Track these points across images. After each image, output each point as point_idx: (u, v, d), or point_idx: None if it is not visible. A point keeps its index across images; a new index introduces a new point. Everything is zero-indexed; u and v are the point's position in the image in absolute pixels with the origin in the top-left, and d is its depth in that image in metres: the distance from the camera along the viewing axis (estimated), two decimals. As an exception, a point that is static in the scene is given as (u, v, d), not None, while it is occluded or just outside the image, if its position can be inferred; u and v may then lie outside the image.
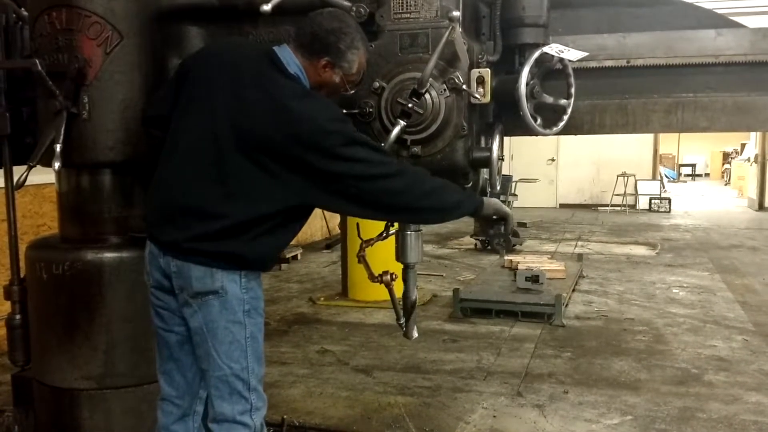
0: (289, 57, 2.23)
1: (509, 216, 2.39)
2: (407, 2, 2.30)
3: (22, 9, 2.83)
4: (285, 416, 3.68)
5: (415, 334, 2.67)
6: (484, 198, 2.34)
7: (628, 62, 2.54)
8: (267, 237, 2.22)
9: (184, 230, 2.20)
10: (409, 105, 2.24)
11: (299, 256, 9.09)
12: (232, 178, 2.16)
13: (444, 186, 2.23)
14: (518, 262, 7.18)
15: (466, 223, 11.53)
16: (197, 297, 2.22)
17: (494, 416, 4.07)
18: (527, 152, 14.51)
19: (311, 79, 2.23)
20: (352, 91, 2.31)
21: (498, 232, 9.42)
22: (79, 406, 2.74)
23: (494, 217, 2.35)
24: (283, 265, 8.47)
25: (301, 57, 2.22)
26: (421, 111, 2.25)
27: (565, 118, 2.50)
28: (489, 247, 9.54)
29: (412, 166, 2.25)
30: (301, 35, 2.24)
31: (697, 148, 27.69)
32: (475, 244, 9.92)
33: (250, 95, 2.16)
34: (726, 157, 26.06)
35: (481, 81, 2.26)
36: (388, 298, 2.62)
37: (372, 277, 2.54)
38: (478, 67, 2.29)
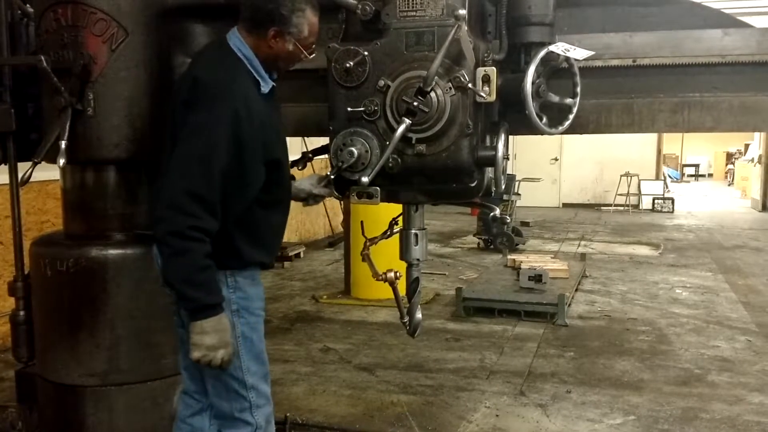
0: (233, 37, 2.26)
1: (197, 345, 2.15)
2: (413, 0, 2.29)
3: (28, 5, 2.83)
4: (288, 414, 3.68)
5: (419, 315, 2.64)
6: (211, 320, 2.14)
7: (634, 61, 2.52)
8: (230, 233, 2.23)
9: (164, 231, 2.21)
10: (415, 103, 2.23)
11: (302, 254, 9.10)
12: None
13: (183, 258, 2.09)
14: (521, 262, 7.17)
15: (469, 222, 11.53)
16: None
17: (497, 415, 4.07)
18: (530, 151, 14.47)
19: (263, 54, 2.25)
20: (312, 56, 2.31)
21: (501, 231, 9.41)
22: (83, 403, 2.74)
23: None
24: (286, 263, 8.48)
25: (249, 35, 2.24)
26: (426, 109, 2.24)
27: (571, 117, 2.48)
28: (492, 246, 9.52)
29: (196, 220, 2.08)
30: (242, 12, 2.25)
31: (701, 148, 27.60)
32: (478, 243, 9.91)
33: (182, 88, 2.24)
34: (729, 157, 25.98)
35: (486, 79, 2.25)
36: (391, 296, 2.61)
37: (376, 276, 2.53)
38: (484, 66, 2.28)
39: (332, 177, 2.30)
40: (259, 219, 2.31)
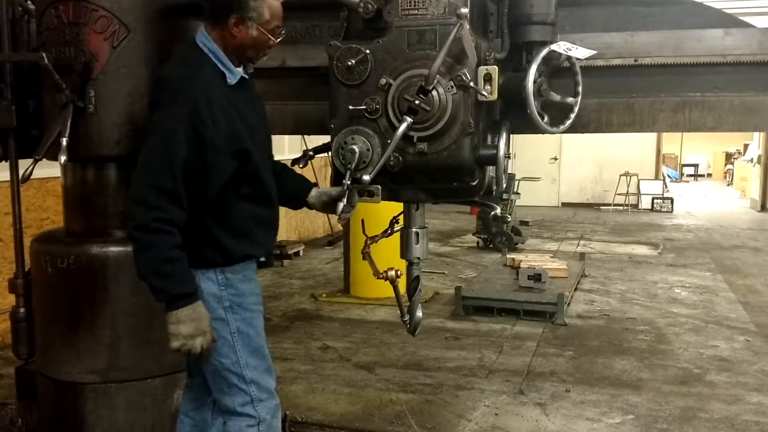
0: (201, 35, 2.27)
1: (174, 335, 2.18)
2: (415, -1, 2.29)
3: (29, 2, 2.83)
4: (287, 412, 3.68)
5: (419, 314, 2.64)
6: (185, 310, 2.17)
7: (635, 61, 2.52)
8: (210, 228, 2.26)
9: None
10: (416, 102, 2.23)
11: (301, 253, 9.10)
12: None
13: (149, 252, 2.14)
14: (520, 261, 7.18)
15: (468, 221, 11.53)
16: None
17: (496, 414, 4.07)
18: (530, 151, 14.48)
19: (231, 45, 2.25)
20: (278, 40, 2.31)
21: (500, 230, 9.41)
22: (83, 400, 2.75)
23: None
24: (285, 262, 8.48)
25: (213, 29, 2.25)
26: (427, 108, 2.25)
27: (572, 116, 2.48)
28: (491, 246, 9.53)
29: (160, 213, 2.13)
30: (204, 8, 2.28)
31: (700, 148, 27.62)
32: (478, 242, 9.92)
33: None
34: (729, 157, 25.99)
35: (488, 78, 2.25)
36: (391, 295, 2.62)
37: (377, 274, 2.54)
38: (486, 65, 2.28)
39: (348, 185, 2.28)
40: (241, 211, 2.33)
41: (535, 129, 2.44)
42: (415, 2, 2.28)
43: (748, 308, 6.64)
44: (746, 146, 20.42)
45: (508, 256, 7.81)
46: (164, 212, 2.13)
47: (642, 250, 10.04)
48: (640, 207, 15.18)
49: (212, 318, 2.25)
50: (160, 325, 2.67)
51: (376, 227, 2.59)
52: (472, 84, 2.23)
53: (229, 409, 2.33)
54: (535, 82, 2.35)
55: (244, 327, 2.32)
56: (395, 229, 2.60)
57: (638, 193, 15.20)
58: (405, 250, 2.59)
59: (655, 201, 15.17)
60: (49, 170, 3.07)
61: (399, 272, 2.55)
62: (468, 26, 2.17)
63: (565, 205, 15.76)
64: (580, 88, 2.48)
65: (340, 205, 2.31)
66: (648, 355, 5.20)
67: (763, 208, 15.21)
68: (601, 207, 15.31)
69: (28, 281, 2.93)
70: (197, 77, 2.21)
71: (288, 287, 7.41)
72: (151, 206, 2.12)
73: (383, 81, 2.30)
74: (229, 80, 2.28)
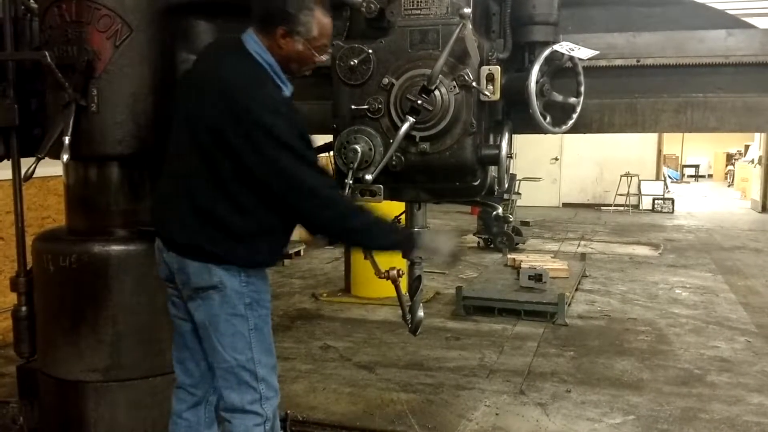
0: (251, 41, 2.23)
1: (440, 252, 2.45)
2: (418, -1, 2.29)
3: (32, 1, 2.83)
4: (288, 411, 3.69)
5: (420, 313, 2.66)
6: (417, 238, 2.42)
7: (638, 61, 2.53)
8: (258, 237, 2.24)
9: (180, 227, 2.25)
10: (419, 102, 2.24)
11: (302, 252, 9.10)
12: (209, 176, 2.19)
13: (372, 227, 2.26)
14: (521, 261, 7.17)
15: (469, 221, 11.53)
16: (198, 292, 2.25)
17: (497, 414, 4.07)
18: (531, 151, 14.47)
19: (276, 56, 2.22)
20: (325, 58, 2.29)
21: (501, 231, 9.41)
22: (85, 399, 2.75)
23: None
24: (286, 261, 8.47)
25: (262, 36, 2.22)
26: (430, 108, 2.25)
27: (575, 116, 2.49)
28: (492, 246, 9.52)
29: (345, 199, 2.27)
30: (254, 14, 2.24)
31: (701, 149, 27.61)
32: (478, 242, 9.91)
33: (208, 89, 2.19)
34: (729, 158, 25.99)
35: (490, 78, 2.26)
36: (391, 294, 2.63)
37: (379, 273, 2.54)
38: (488, 65, 2.29)
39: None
40: (284, 224, 2.32)
41: (537, 129, 2.44)
42: (417, 2, 2.29)
43: (749, 309, 6.64)
44: (747, 147, 20.42)
45: (508, 256, 7.81)
46: (342, 197, 2.26)
47: (643, 250, 10.04)
48: (640, 207, 15.18)
49: (233, 314, 2.24)
50: (161, 323, 2.70)
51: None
52: (474, 84, 2.24)
53: (237, 407, 2.31)
54: (537, 82, 2.35)
55: (261, 324, 2.31)
56: (397, 228, 2.60)
57: (639, 194, 15.19)
58: (407, 250, 2.59)
59: (656, 201, 15.17)
60: (51, 169, 3.07)
61: (401, 272, 2.56)
62: (470, 26, 2.17)
63: (565, 205, 15.75)
64: (582, 89, 2.48)
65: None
66: (649, 355, 5.20)
67: (763, 209, 15.20)
68: (602, 207, 15.31)
69: (29, 280, 2.93)
70: (276, 90, 2.22)
71: (289, 287, 7.41)
72: (334, 200, 2.21)
73: (386, 81, 2.31)
74: (285, 94, 2.26)
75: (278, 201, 2.19)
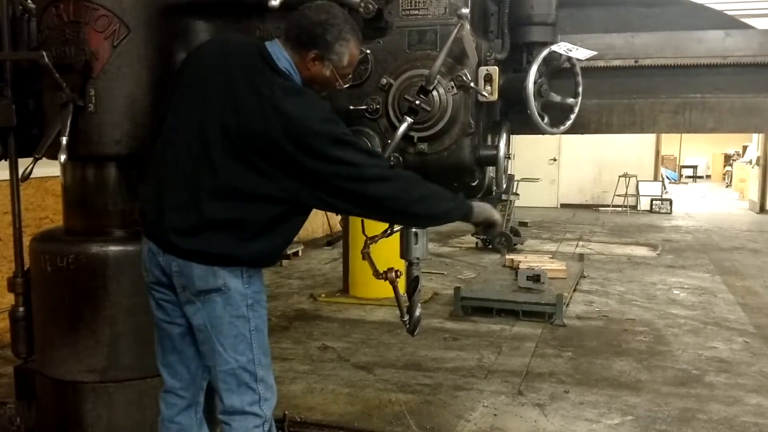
0: (279, 52, 2.21)
1: (498, 223, 2.42)
2: (416, -1, 2.30)
3: (29, 1, 2.82)
4: (286, 412, 3.68)
5: (418, 314, 2.65)
6: (475, 205, 2.34)
7: (636, 62, 2.53)
8: (264, 236, 2.21)
9: (184, 231, 2.20)
10: (417, 102, 2.24)
11: (300, 253, 9.10)
12: (223, 176, 2.15)
13: (435, 193, 2.22)
14: (519, 262, 7.18)
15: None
16: (200, 295, 2.22)
17: (495, 414, 4.07)
18: (529, 152, 14.49)
19: (302, 73, 2.21)
20: (346, 86, 2.28)
21: (499, 231, 9.41)
22: (82, 399, 2.74)
23: (483, 222, 2.38)
24: (284, 262, 8.47)
25: (291, 51, 2.20)
26: (428, 108, 2.25)
27: (573, 117, 2.49)
28: (490, 246, 9.53)
29: (404, 172, 2.26)
30: (289, 29, 2.22)
31: (699, 149, 27.66)
32: (476, 243, 9.92)
33: (240, 93, 2.14)
34: (727, 159, 26.03)
35: (488, 79, 2.26)
36: (390, 295, 2.62)
37: (377, 274, 2.54)
38: (486, 65, 2.29)
39: None
40: (286, 229, 2.29)
41: (536, 130, 2.45)
42: (415, 2, 2.29)
43: (747, 310, 6.65)
44: (745, 148, 20.44)
45: (507, 256, 7.81)
46: (404, 172, 2.25)
47: (641, 251, 10.05)
48: (638, 208, 15.20)
49: (237, 316, 2.23)
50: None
51: (376, 227, 2.59)
52: (472, 84, 2.24)
53: (236, 409, 2.29)
54: (535, 82, 2.36)
55: (260, 324, 2.30)
56: (395, 229, 2.60)
57: (637, 195, 15.21)
58: (405, 251, 2.59)
59: (654, 202, 15.19)
60: (49, 169, 3.07)
61: (399, 272, 2.56)
62: (468, 26, 2.18)
63: (564, 206, 15.77)
64: (580, 89, 2.49)
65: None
66: (647, 356, 5.20)
67: (761, 210, 15.23)
68: (600, 208, 15.33)
69: (27, 280, 2.92)
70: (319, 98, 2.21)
71: (287, 287, 7.41)
72: (399, 175, 2.19)
73: (384, 81, 2.31)
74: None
75: (339, 198, 2.16)
